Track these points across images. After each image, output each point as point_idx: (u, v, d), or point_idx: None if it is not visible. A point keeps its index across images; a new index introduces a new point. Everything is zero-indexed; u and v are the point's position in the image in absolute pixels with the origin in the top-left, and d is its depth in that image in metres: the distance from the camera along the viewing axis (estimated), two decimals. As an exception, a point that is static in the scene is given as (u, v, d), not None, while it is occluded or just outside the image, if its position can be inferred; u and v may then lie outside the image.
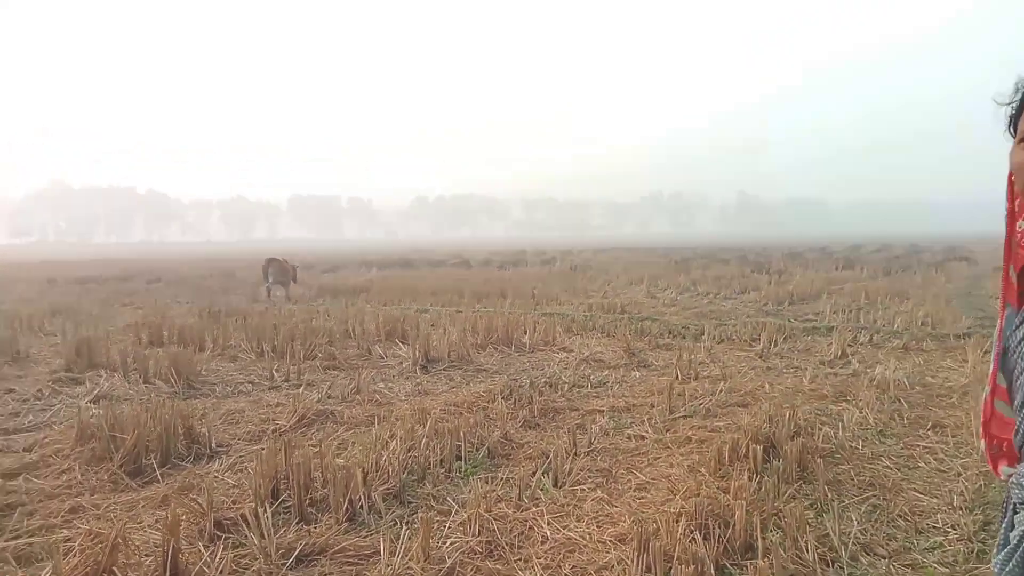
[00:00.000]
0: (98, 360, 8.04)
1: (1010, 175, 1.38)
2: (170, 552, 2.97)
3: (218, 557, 3.14)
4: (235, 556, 3.23)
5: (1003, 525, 1.41)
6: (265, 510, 3.50)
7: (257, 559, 3.19)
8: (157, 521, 3.64)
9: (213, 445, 5.04)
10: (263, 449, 4.57)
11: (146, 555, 3.15)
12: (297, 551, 3.26)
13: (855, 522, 3.57)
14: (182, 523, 3.52)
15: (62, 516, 3.75)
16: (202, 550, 3.24)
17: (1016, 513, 1.36)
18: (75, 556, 2.87)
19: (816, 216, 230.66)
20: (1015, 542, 1.36)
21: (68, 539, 3.29)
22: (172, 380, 7.05)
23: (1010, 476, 1.39)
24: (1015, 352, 1.28)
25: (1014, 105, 1.29)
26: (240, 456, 4.87)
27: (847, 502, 3.87)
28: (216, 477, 4.45)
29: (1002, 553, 1.39)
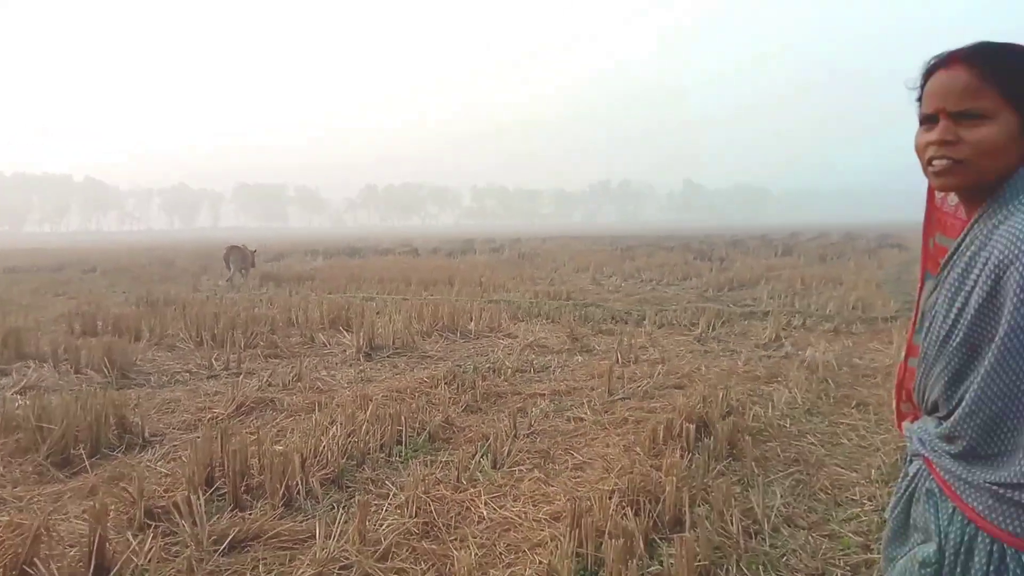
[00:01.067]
0: (26, 351, 7.75)
1: None
2: (96, 542, 2.91)
3: (147, 546, 3.09)
4: (165, 544, 3.19)
5: (900, 478, 1.51)
6: (198, 497, 3.46)
7: (188, 547, 3.15)
8: (84, 511, 3.55)
9: (146, 434, 4.94)
10: (198, 437, 4.49)
11: (71, 546, 3.09)
12: (230, 537, 3.23)
13: (779, 496, 3.72)
14: (111, 513, 3.45)
15: (-18, 509, 3.64)
16: (130, 539, 3.18)
17: (909, 464, 1.46)
18: (-6, 547, 2.79)
19: (758, 203, 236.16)
20: (900, 491, 1.46)
21: (-11, 531, 3.19)
22: (105, 370, 6.85)
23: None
24: (929, 313, 1.36)
25: (918, 90, 1.37)
26: (174, 445, 4.78)
27: (772, 477, 4.02)
28: (148, 466, 4.36)
29: (891, 499, 1.49)
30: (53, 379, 6.76)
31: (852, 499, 3.76)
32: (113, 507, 3.52)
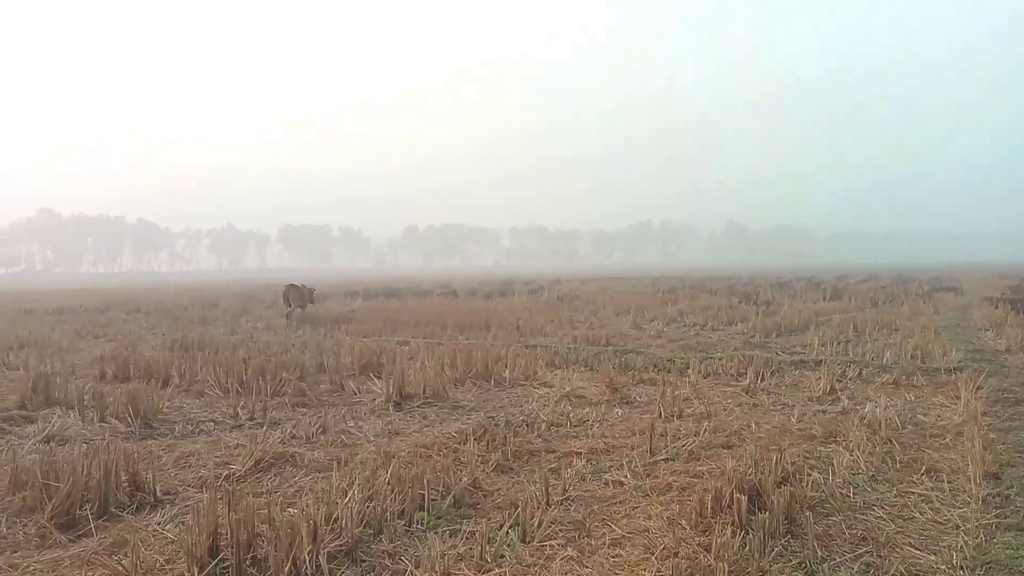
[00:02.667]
0: (55, 397, 7.66)
1: None
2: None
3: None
4: (155, 631, 2.87)
5: None
6: (194, 575, 3.15)
7: (179, 634, 2.84)
8: (79, 585, 3.28)
9: (158, 493, 4.68)
10: (205, 500, 4.20)
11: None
12: (227, 623, 2.91)
13: (848, 584, 3.25)
14: (102, 589, 3.17)
15: (-29, 581, 3.39)
16: (118, 624, 2.88)
17: None
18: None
19: (801, 244, 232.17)
20: None
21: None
22: (129, 419, 6.67)
23: None
24: None
25: None
26: (186, 505, 4.51)
27: (839, 560, 3.55)
28: (155, 531, 4.08)
29: None
30: (77, 428, 6.60)
31: (933, 590, 3.27)
32: (105, 583, 3.23)
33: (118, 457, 4.71)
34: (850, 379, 8.75)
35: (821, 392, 7.90)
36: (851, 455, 5.34)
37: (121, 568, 3.29)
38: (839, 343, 11.78)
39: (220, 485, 4.76)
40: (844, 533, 3.91)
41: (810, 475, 4.79)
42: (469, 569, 3.44)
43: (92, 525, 4.12)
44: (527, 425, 6.55)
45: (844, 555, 3.62)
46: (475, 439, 5.90)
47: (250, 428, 6.60)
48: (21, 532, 4.06)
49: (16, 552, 3.79)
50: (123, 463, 4.69)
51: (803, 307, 19.17)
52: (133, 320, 19.67)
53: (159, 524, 4.20)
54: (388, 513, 4.17)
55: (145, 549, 3.68)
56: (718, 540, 3.48)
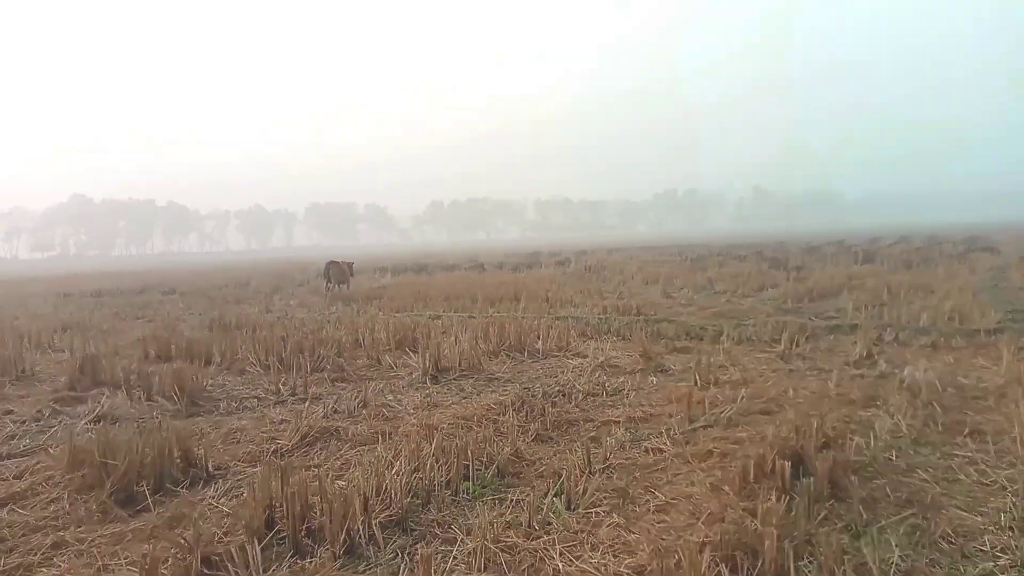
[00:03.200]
0: (102, 377, 7.87)
1: None
2: (147, 599, 2.74)
3: (201, 601, 2.90)
4: (221, 598, 3.00)
5: None
6: (255, 546, 3.27)
7: (244, 602, 2.96)
8: (144, 556, 3.41)
9: (210, 468, 4.82)
10: (258, 474, 4.33)
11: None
12: (288, 591, 3.02)
13: (895, 546, 3.27)
14: (167, 560, 3.30)
15: (43, 553, 3.55)
16: (186, 592, 3.01)
17: None
18: (41, 607, 2.65)
19: (831, 208, 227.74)
20: None
21: (43, 583, 3.07)
22: (175, 397, 6.85)
23: None
24: None
25: None
26: (238, 480, 4.65)
27: (884, 523, 3.57)
28: (210, 504, 4.22)
29: None
30: (125, 407, 6.79)
31: (982, 550, 3.28)
32: (171, 555, 3.36)
33: (170, 435, 4.85)
34: (887, 343, 8.66)
35: (858, 356, 7.84)
36: (892, 419, 5.32)
37: (183, 541, 3.42)
38: (874, 307, 11.63)
39: (270, 460, 4.90)
40: (889, 496, 3.91)
41: (852, 440, 4.79)
42: (518, 536, 3.52)
43: (150, 500, 4.27)
44: (563, 395, 6.61)
45: (890, 517, 3.63)
46: (513, 410, 5.97)
47: (293, 404, 6.74)
48: (83, 508, 4.21)
49: (80, 527, 3.94)
50: (175, 440, 4.83)
51: (835, 272, 18.91)
52: (169, 301, 20.03)
53: (213, 498, 4.34)
54: (434, 484, 4.26)
55: (203, 522, 3.81)
56: (764, 505, 3.50)
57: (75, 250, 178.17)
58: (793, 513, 3.53)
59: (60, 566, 3.28)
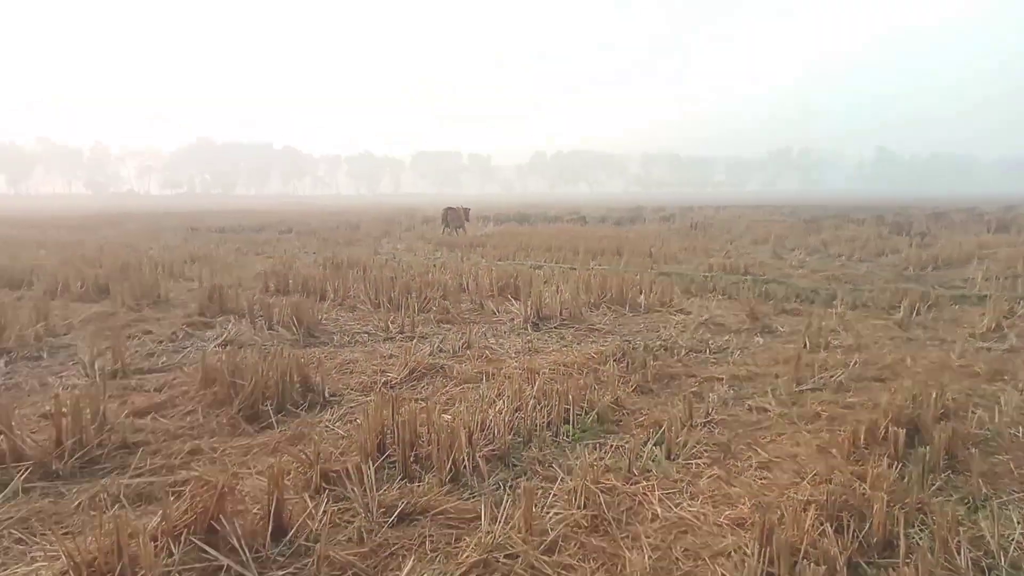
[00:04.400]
0: (228, 306, 8.46)
1: None
2: (275, 503, 2.99)
3: (321, 510, 3.14)
4: (338, 510, 3.23)
5: None
6: (369, 466, 3.48)
7: (359, 515, 3.17)
8: (271, 467, 3.71)
9: (326, 394, 5.14)
10: (372, 402, 4.58)
11: (254, 502, 3.20)
12: (399, 509, 3.22)
13: (1017, 523, 3.11)
14: (291, 472, 3.58)
15: (181, 457, 3.91)
16: (307, 501, 3.26)
17: None
18: (185, 501, 2.94)
19: (964, 173, 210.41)
20: None
21: (184, 481, 3.40)
22: (293, 328, 7.29)
23: None
24: None
25: None
26: (351, 407, 4.93)
27: (1006, 499, 3.39)
28: (327, 427, 4.51)
29: None
30: (249, 334, 7.29)
31: (1115, 537, 3.07)
32: (293, 468, 3.64)
33: (291, 361, 5.18)
34: (1019, 316, 8.05)
35: (985, 329, 7.35)
36: (1021, 395, 4.99)
37: (305, 456, 3.69)
38: (1006, 278, 10.81)
39: (381, 390, 5.16)
40: (1012, 472, 3.71)
41: (974, 413, 4.54)
42: (617, 480, 3.58)
43: (273, 419, 4.61)
44: (665, 349, 6.57)
45: (1012, 494, 3.44)
46: (615, 360, 6.00)
47: (400, 341, 7.03)
48: (215, 421, 4.60)
49: (213, 437, 4.32)
50: (295, 367, 5.16)
51: (963, 240, 17.63)
52: (286, 240, 21.10)
53: (330, 421, 4.63)
54: (535, 424, 4.38)
55: (321, 442, 4.08)
56: (874, 470, 3.41)
57: (200, 188, 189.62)
58: (906, 480, 3.41)
59: (197, 470, 3.61)
